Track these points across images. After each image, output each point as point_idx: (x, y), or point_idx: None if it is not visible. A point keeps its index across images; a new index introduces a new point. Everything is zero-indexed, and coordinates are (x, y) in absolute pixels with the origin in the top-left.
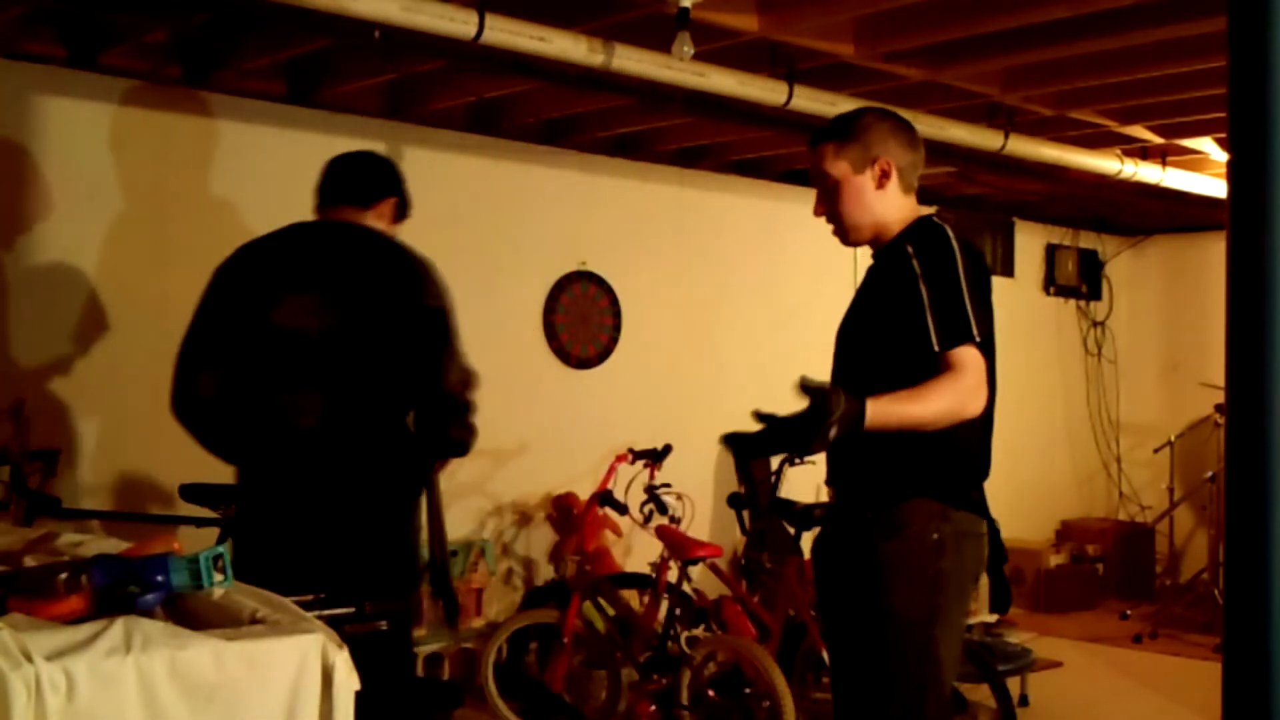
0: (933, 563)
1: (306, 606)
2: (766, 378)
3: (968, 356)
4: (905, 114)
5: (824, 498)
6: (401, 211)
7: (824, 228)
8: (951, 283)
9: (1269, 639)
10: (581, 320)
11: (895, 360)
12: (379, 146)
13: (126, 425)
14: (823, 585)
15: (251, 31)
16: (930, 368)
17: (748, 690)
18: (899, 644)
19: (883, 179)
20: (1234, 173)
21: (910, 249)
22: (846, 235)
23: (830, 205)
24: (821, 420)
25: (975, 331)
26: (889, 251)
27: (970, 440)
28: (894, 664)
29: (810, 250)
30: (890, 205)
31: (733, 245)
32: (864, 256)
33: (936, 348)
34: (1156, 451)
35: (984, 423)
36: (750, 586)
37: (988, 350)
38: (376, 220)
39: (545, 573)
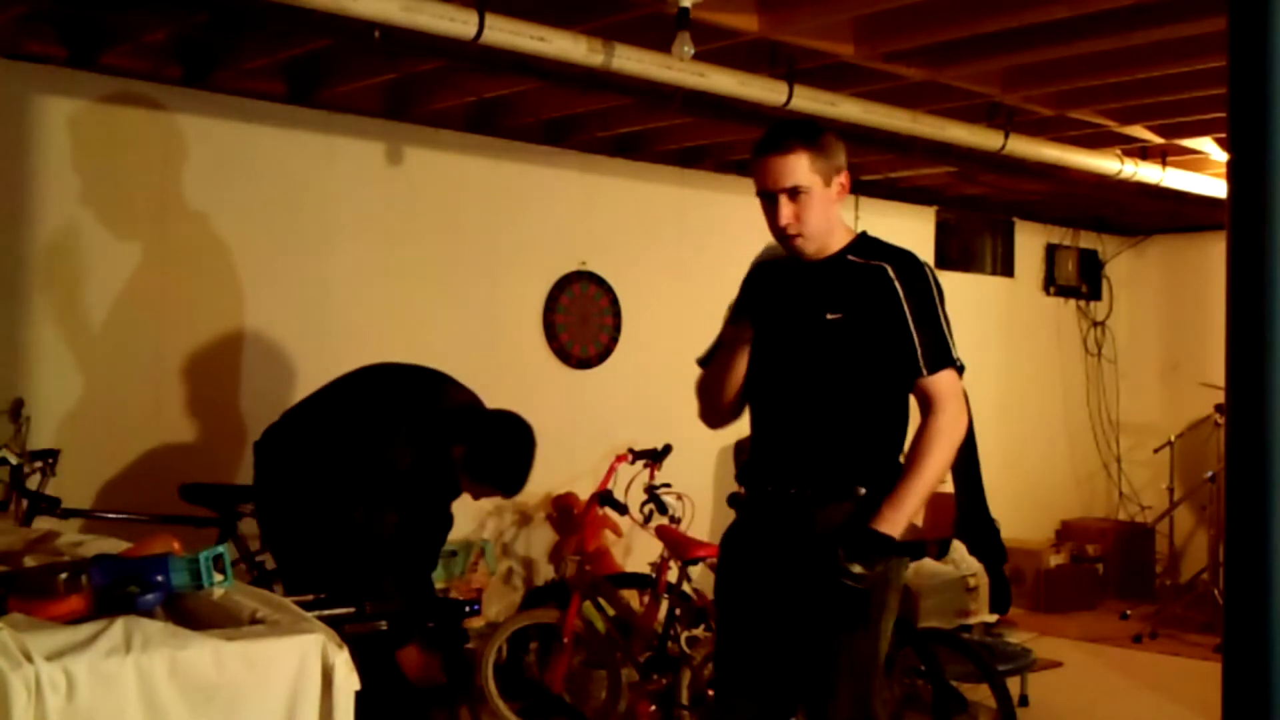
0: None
1: (306, 606)
2: None
3: (947, 383)
4: (905, 114)
5: None
6: (472, 464)
7: None
8: (932, 308)
9: (1269, 639)
10: (581, 320)
11: (874, 378)
12: (379, 146)
13: (126, 425)
14: (772, 575)
15: (251, 31)
16: (906, 385)
17: None
18: (868, 615)
19: (842, 191)
20: (1234, 173)
21: (890, 270)
22: (807, 246)
23: (802, 215)
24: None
25: (955, 355)
26: (845, 265)
27: (897, 441)
28: (866, 634)
29: None
30: (838, 218)
31: (733, 245)
32: None
33: (925, 372)
34: (1156, 451)
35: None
36: None
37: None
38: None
39: (545, 573)
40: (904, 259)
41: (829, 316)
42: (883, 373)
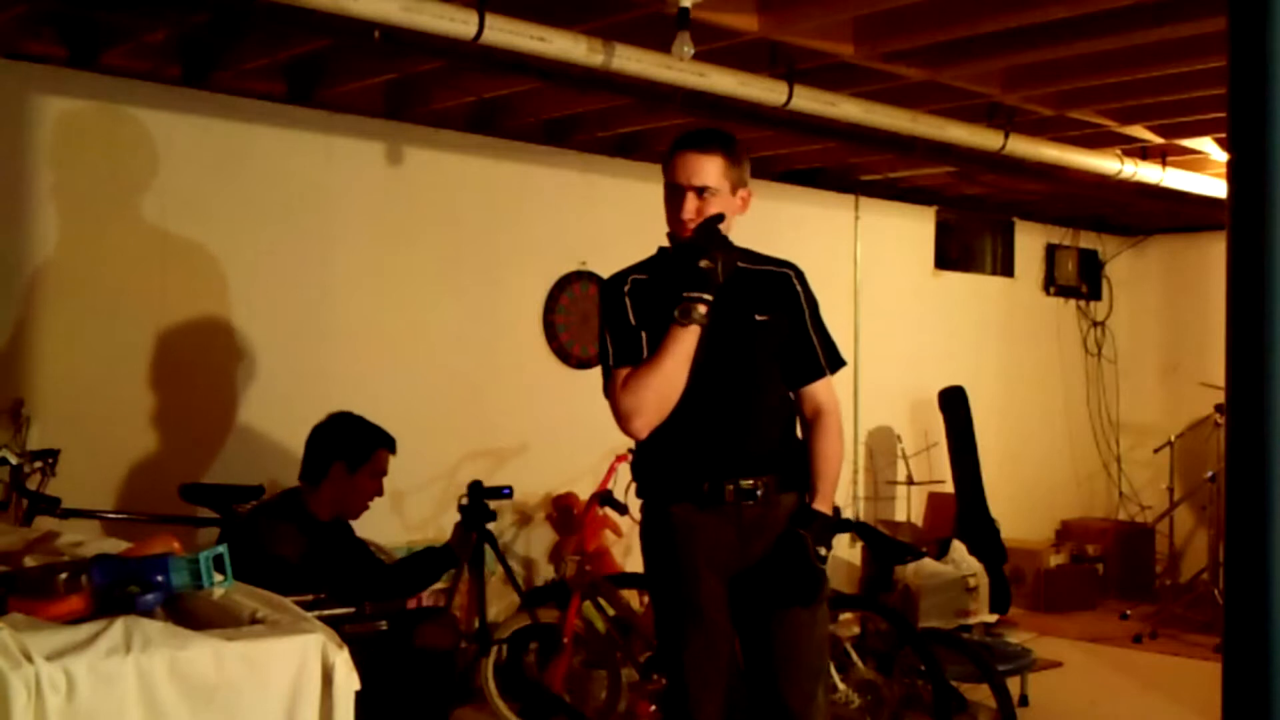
0: None
1: (306, 606)
2: None
3: (832, 383)
4: (905, 114)
5: None
6: (356, 464)
7: (825, 225)
8: (820, 313)
9: (1269, 639)
10: (581, 320)
11: (784, 374)
12: (379, 146)
13: (126, 425)
14: (772, 566)
15: (251, 31)
16: (801, 380)
17: None
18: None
19: (743, 206)
20: (1234, 173)
21: (792, 276)
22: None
23: (704, 212)
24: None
25: (842, 357)
26: (759, 270)
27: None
28: (822, 612)
29: (809, 249)
30: (729, 229)
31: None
32: (869, 256)
33: (827, 371)
34: (1156, 451)
35: None
36: None
37: None
38: (330, 488)
39: (545, 573)
40: (795, 267)
41: (758, 317)
42: (788, 369)
